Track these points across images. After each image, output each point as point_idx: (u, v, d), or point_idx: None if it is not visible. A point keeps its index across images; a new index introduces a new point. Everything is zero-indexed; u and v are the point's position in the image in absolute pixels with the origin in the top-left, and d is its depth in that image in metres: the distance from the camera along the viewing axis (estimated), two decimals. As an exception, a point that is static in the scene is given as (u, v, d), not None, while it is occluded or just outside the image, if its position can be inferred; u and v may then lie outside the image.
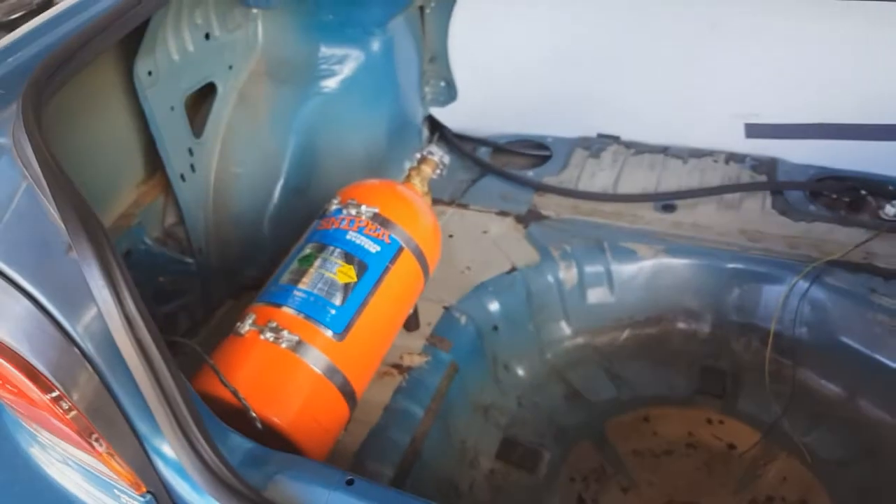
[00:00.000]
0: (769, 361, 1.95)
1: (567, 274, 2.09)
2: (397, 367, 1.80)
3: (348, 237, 1.61)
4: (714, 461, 1.86)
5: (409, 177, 1.90)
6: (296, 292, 1.51)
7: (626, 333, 2.14)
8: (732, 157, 2.38)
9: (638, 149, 2.47)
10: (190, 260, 1.92)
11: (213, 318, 1.95)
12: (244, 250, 2.04)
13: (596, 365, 2.09)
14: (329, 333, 1.48)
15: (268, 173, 2.06)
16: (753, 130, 2.34)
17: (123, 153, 1.79)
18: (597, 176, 2.38)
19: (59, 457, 1.41)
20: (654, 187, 2.31)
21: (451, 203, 2.36)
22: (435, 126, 2.68)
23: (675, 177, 2.34)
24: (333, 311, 1.50)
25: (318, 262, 1.57)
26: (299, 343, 1.44)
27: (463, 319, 1.95)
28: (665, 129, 2.45)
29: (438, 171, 1.94)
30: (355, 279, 1.55)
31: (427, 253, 1.72)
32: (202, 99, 1.91)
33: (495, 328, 2.01)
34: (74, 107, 1.58)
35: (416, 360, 1.82)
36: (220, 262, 2.00)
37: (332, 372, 1.47)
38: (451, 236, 2.21)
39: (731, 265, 2.04)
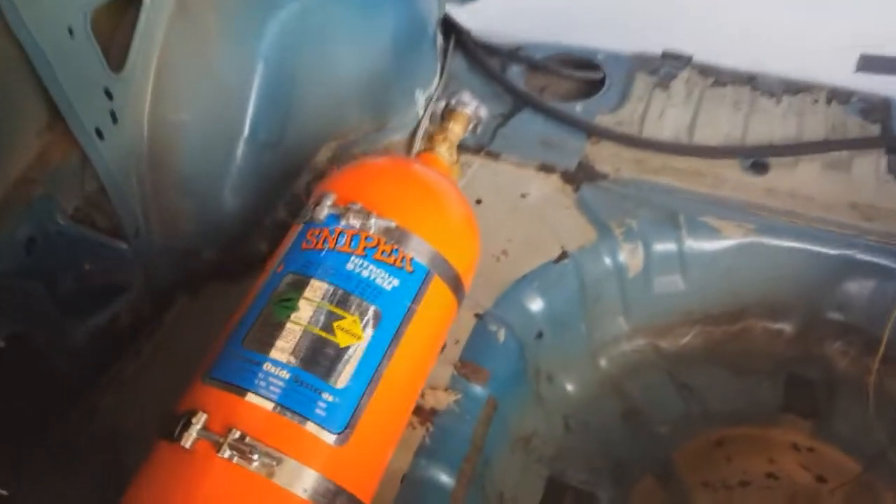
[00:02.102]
0: (875, 373, 1.39)
1: (632, 259, 1.47)
2: (417, 411, 1.21)
3: (349, 267, 0.95)
4: (799, 497, 1.42)
5: (431, 141, 1.19)
6: (270, 367, 0.87)
7: (695, 331, 1.56)
8: (835, 95, 1.70)
9: (717, 77, 1.77)
10: (123, 245, 1.27)
11: (160, 331, 1.31)
12: (199, 227, 1.37)
13: (659, 372, 1.54)
14: (325, 436, 0.86)
15: (225, 119, 1.34)
16: (869, 63, 1.65)
17: (10, 89, 1.09)
18: (667, 115, 1.69)
19: None
20: (740, 135, 1.64)
21: (477, 151, 1.65)
22: (449, 31, 1.91)
23: (767, 121, 1.66)
24: (330, 398, 0.87)
25: (302, 312, 0.91)
26: (280, 462, 0.83)
27: (501, 334, 1.33)
28: (752, 49, 1.74)
29: (471, 128, 1.24)
30: (362, 338, 0.92)
31: (462, 271, 1.07)
32: (123, 13, 1.17)
33: (539, 335, 1.42)
34: None
35: (443, 400, 1.22)
36: (167, 243, 1.34)
37: (330, 495, 0.86)
38: (478, 202, 1.54)
39: (836, 251, 1.45)
